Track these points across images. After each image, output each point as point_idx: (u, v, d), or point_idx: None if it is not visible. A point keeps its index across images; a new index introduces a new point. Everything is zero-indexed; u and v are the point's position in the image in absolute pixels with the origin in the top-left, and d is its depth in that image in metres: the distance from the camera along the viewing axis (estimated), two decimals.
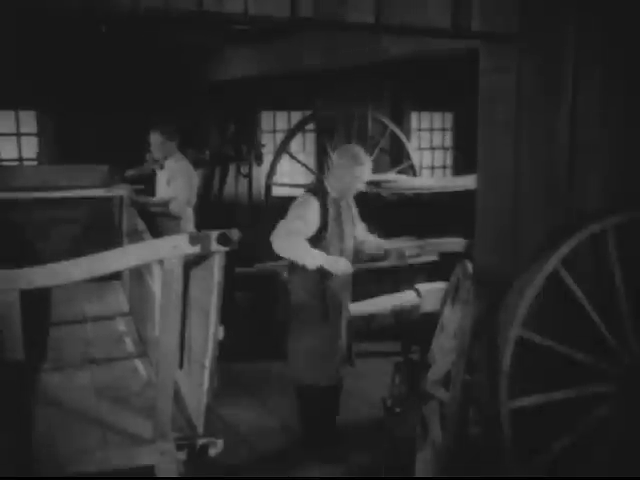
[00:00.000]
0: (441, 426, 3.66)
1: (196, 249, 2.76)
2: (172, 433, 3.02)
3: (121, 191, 6.06)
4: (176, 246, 2.76)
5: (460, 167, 12.44)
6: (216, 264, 2.86)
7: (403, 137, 11.11)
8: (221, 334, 2.98)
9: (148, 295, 4.06)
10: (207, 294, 2.95)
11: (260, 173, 10.88)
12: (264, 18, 2.99)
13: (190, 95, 10.07)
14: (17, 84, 9.02)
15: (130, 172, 7.37)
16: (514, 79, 3.53)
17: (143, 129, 7.34)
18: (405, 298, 4.91)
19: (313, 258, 4.60)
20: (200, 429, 3.09)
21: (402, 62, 8.19)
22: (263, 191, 10.35)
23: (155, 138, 7.03)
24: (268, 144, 11.27)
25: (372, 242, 5.22)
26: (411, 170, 11.04)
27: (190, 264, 3.09)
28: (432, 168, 13.12)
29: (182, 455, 3.02)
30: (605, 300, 3.49)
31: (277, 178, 10.28)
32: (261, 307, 7.37)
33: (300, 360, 4.85)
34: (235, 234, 2.79)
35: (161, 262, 2.88)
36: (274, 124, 11.81)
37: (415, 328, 4.83)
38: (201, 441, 3.06)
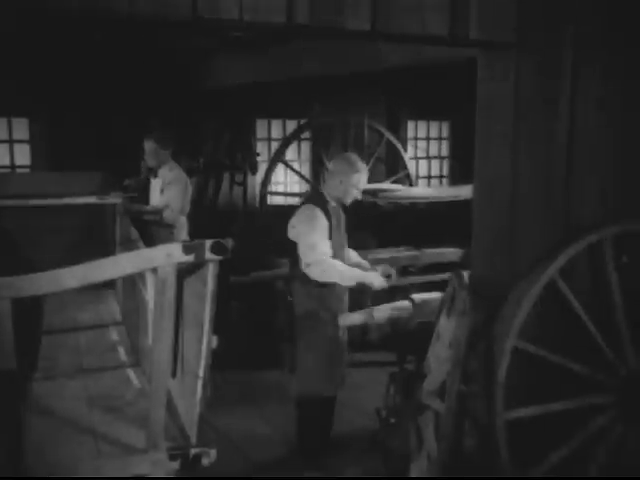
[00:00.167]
0: (436, 437, 3.63)
1: (190, 258, 2.74)
2: (165, 443, 2.99)
3: (114, 199, 6.03)
4: (170, 254, 2.73)
5: (457, 176, 12.47)
6: (210, 273, 2.83)
7: (399, 146, 11.12)
8: (214, 343, 2.96)
9: (141, 304, 4.04)
10: (200, 303, 2.92)
11: (255, 181, 10.87)
12: (260, 25, 2.97)
13: (184, 103, 10.05)
14: (10, 91, 8.98)
15: (128, 182, 7.35)
16: (512, 88, 3.52)
17: (137, 137, 7.31)
18: (400, 308, 4.89)
19: (351, 277, 4.66)
20: (193, 439, 3.06)
21: (399, 70, 8.21)
22: (258, 200, 10.34)
23: (149, 146, 7.00)
24: (263, 152, 11.27)
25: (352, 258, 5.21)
26: (407, 179, 11.05)
27: (183, 273, 3.06)
28: (429, 177, 13.13)
29: (175, 465, 2.99)
30: (602, 311, 3.48)
31: (272, 187, 10.27)
32: (256, 316, 7.34)
33: (311, 369, 4.82)
34: (229, 243, 2.77)
35: (154, 270, 2.86)
36: (269, 132, 11.81)
37: (411, 338, 4.80)
38: (194, 451, 3.02)
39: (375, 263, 5.33)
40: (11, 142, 10.00)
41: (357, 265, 5.05)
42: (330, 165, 5.02)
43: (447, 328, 3.64)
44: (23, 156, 10.05)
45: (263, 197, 10.12)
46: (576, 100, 3.49)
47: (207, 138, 10.72)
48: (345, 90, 10.34)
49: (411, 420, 3.84)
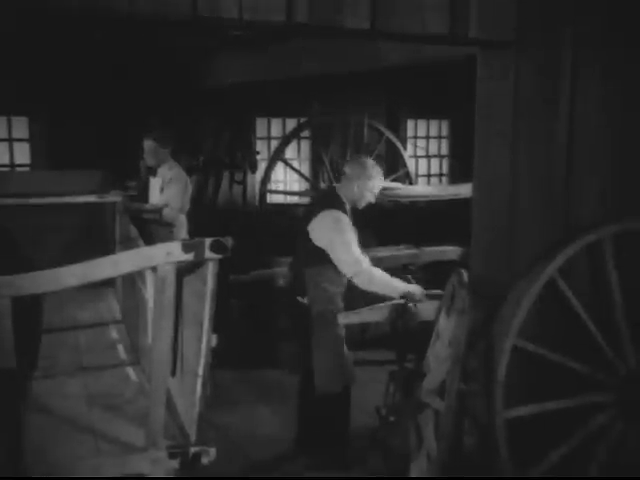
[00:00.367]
0: (435, 435, 3.63)
1: (189, 256, 2.74)
2: (164, 441, 2.99)
3: (114, 197, 6.03)
4: (169, 253, 2.73)
5: (456, 175, 12.46)
6: (209, 271, 2.83)
7: (399, 144, 11.10)
8: (214, 342, 2.96)
9: (141, 302, 4.03)
10: (200, 301, 2.92)
11: (254, 180, 10.86)
12: (259, 23, 2.97)
13: (184, 101, 10.05)
14: (9, 90, 8.97)
15: (131, 183, 7.35)
16: (511, 87, 3.52)
17: (137, 135, 7.30)
18: (400, 306, 4.89)
19: (395, 288, 4.68)
20: (193, 437, 3.06)
21: (399, 69, 8.20)
22: (257, 198, 10.33)
23: (148, 145, 6.98)
24: (263, 151, 11.26)
25: None
26: (407, 178, 11.03)
27: (183, 271, 3.06)
28: (428, 176, 13.13)
29: (174, 463, 2.99)
30: (602, 310, 3.48)
31: (272, 185, 10.26)
32: (256, 315, 7.34)
33: (331, 365, 4.85)
34: (229, 241, 2.76)
35: (154, 269, 2.86)
36: (269, 131, 11.81)
37: (410, 337, 4.80)
38: (194, 449, 3.02)
39: (375, 262, 5.32)
40: (11, 141, 10.01)
41: None
42: (346, 168, 5.05)
43: (447, 327, 3.64)
44: (23, 155, 10.06)
45: (263, 195, 10.10)
46: (576, 100, 3.49)
47: (207, 136, 10.72)
48: (345, 89, 10.33)
49: (411, 419, 3.84)
